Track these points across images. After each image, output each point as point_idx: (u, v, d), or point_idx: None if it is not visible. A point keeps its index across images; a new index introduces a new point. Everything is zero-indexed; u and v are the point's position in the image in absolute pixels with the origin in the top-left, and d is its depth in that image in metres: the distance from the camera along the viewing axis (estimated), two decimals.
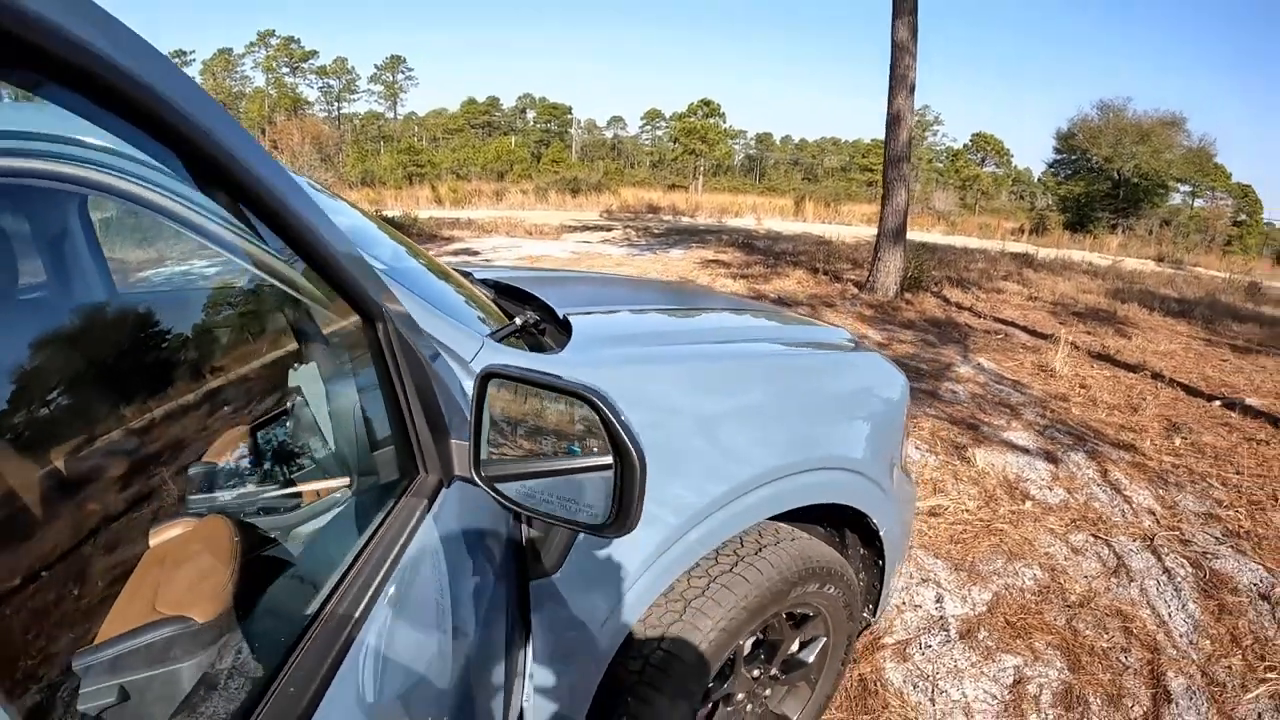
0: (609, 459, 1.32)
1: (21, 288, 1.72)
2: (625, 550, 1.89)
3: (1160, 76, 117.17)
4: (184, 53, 73.35)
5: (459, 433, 1.58)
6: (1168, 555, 4.23)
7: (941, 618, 3.50)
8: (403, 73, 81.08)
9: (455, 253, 17.55)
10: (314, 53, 76.97)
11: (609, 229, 24.10)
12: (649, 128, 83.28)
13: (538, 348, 2.17)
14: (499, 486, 1.47)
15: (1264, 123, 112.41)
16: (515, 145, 74.34)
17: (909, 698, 2.97)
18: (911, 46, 11.49)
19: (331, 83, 78.96)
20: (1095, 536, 4.42)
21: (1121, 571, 4.05)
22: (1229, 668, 3.31)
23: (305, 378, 1.93)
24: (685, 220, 30.54)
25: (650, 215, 32.63)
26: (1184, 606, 3.75)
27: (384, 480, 1.59)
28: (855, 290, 12.41)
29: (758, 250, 17.88)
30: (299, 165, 41.21)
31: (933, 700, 2.97)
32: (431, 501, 1.53)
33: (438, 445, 1.56)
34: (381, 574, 1.35)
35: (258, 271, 1.45)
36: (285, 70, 76.43)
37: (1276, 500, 5.11)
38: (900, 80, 11.61)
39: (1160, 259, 33.02)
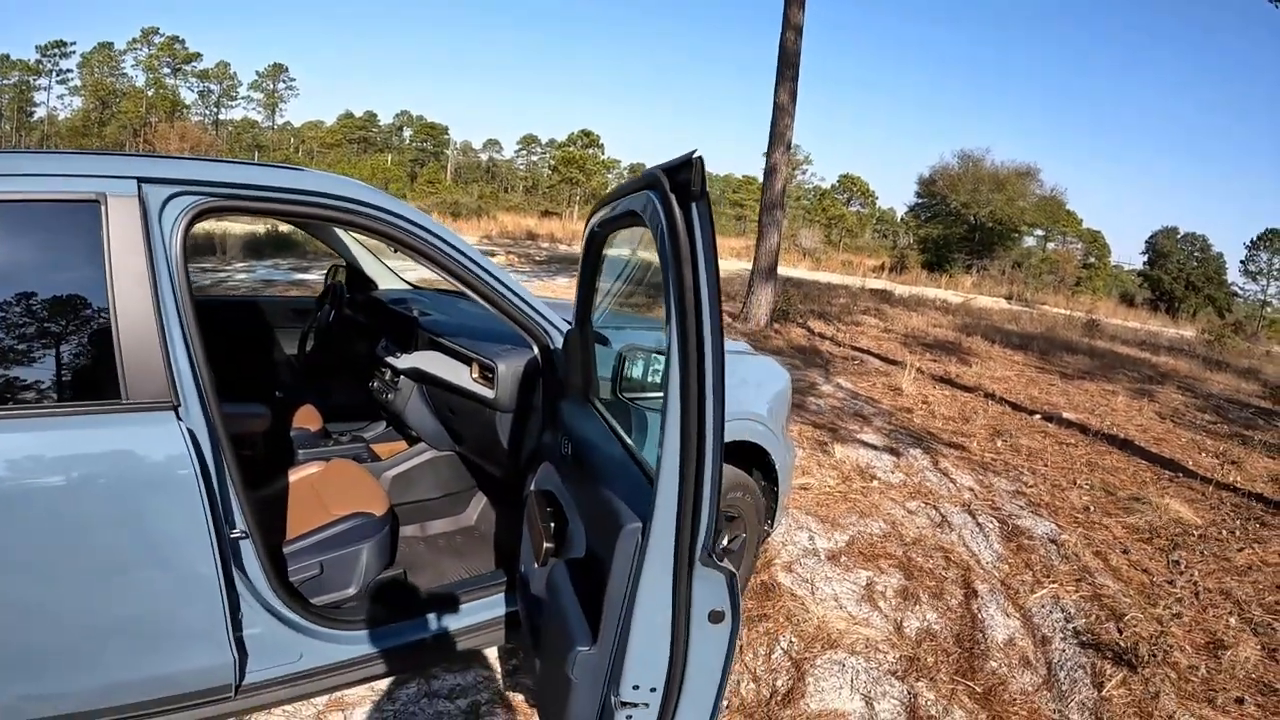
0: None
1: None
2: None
3: (1022, 126, 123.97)
4: (64, 44, 69.91)
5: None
6: (981, 516, 5.72)
7: (814, 549, 4.85)
8: (284, 81, 77.42)
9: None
10: (198, 55, 73.41)
11: (492, 254, 24.68)
12: (524, 152, 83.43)
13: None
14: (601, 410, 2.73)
15: (1114, 173, 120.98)
16: (391, 163, 73.29)
17: (796, 592, 4.28)
18: (790, 108, 12.93)
19: (212, 87, 74.97)
20: (926, 504, 5.86)
21: (945, 525, 5.48)
22: (1022, 581, 4.73)
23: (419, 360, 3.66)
24: (564, 248, 31.61)
25: (529, 242, 33.60)
26: (990, 546, 5.20)
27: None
28: (730, 319, 13.90)
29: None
30: None
31: (812, 593, 4.28)
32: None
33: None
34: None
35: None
36: (167, 71, 72.38)
37: (1075, 484, 6.74)
38: (779, 137, 13.07)
39: (1010, 298, 35.49)
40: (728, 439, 3.21)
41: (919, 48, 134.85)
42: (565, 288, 17.15)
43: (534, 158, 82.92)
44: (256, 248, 20.56)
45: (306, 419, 4.25)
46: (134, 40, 71.62)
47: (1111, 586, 4.71)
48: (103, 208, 2.11)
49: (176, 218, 2.25)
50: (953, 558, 4.94)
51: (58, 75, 71.01)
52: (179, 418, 2.16)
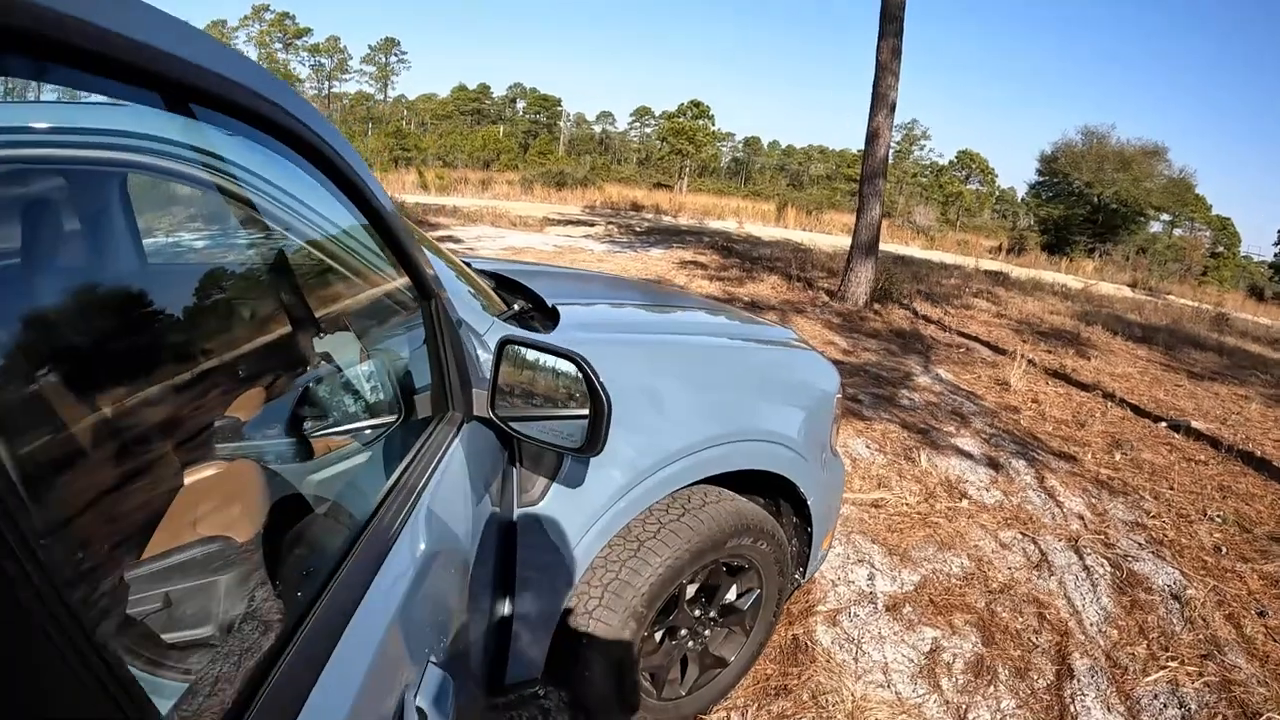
0: (584, 410, 1.90)
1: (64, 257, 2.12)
2: (591, 493, 2.38)
3: (1149, 107, 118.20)
4: None
5: (479, 384, 2.06)
6: (1090, 555, 4.61)
7: (871, 593, 3.87)
8: (396, 55, 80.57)
9: (440, 239, 17.73)
10: (308, 30, 76.56)
11: (591, 224, 24.31)
12: (638, 124, 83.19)
13: (530, 330, 2.66)
14: (513, 423, 2.01)
15: (1248, 159, 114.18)
16: (503, 135, 74.10)
17: (835, 656, 3.34)
18: (893, 66, 11.78)
19: (323, 61, 78.47)
20: (1023, 535, 4.79)
21: (1044, 566, 4.42)
22: (1132, 655, 3.67)
23: (335, 344, 2.37)
24: (667, 220, 30.78)
25: (633, 213, 32.84)
26: (1098, 600, 4.12)
27: (422, 415, 2.02)
28: (826, 298, 12.79)
29: (735, 254, 18.11)
30: None
31: (855, 659, 3.33)
32: (458, 431, 1.98)
33: (464, 392, 2.02)
34: (422, 484, 1.74)
35: (309, 251, 1.95)
36: (278, 46, 75.96)
37: (1204, 515, 5.51)
38: (881, 99, 11.92)
39: (1134, 285, 33.43)
40: (736, 466, 2.75)
41: (1044, 18, 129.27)
42: (658, 259, 16.35)
43: (647, 129, 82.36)
44: None
45: (246, 405, 3.45)
46: (245, 17, 75.60)
47: (1244, 669, 3.63)
48: None
49: None
50: (1048, 615, 3.89)
51: None
52: None
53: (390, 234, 1.76)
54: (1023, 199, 68.83)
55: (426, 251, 2.14)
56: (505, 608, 2.37)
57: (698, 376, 2.77)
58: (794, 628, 3.48)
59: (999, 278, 21.39)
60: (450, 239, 17.74)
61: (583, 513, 2.37)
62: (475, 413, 2.06)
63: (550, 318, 2.79)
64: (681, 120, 74.32)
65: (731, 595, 2.88)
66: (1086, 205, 55.63)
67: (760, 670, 3.21)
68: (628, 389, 2.39)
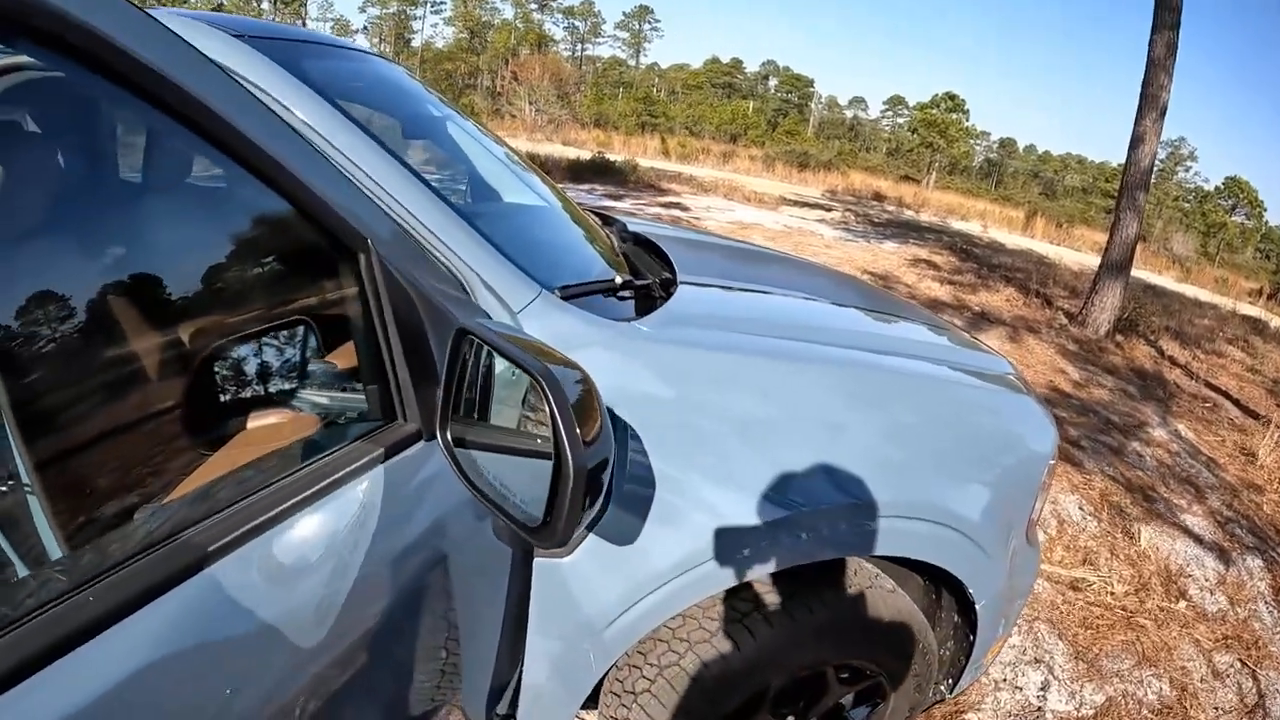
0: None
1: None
2: (648, 555, 1.75)
3: None
4: None
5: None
6: None
7: (1040, 709, 3.16)
8: (649, 23, 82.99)
9: (666, 205, 17.64)
10: None
11: (828, 209, 23.59)
12: (890, 113, 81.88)
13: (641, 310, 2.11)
14: (457, 451, 1.43)
15: None
16: (752, 111, 74.13)
17: None
18: (1167, 64, 10.51)
19: (577, 24, 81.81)
20: (1243, 663, 3.85)
21: (1259, 713, 3.52)
22: None
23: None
24: (908, 214, 29.43)
25: (874, 203, 31.70)
26: None
27: (353, 420, 1.61)
28: (1064, 320, 11.56)
29: (974, 258, 17.04)
30: (535, 97, 42.34)
31: None
32: (392, 452, 1.46)
33: (420, 393, 1.51)
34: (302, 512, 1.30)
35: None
36: (534, 6, 79.56)
37: None
38: (1150, 100, 10.65)
39: None
40: (882, 551, 1.95)
41: None
42: (889, 254, 15.53)
43: (900, 120, 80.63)
44: (577, 171, 21.25)
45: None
46: None
47: None
48: None
49: None
50: None
51: (432, 6, 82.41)
52: None
53: (274, 165, 1.26)
54: None
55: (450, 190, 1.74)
56: (508, 675, 1.87)
57: (844, 413, 2.00)
58: None
59: (1258, 325, 19.01)
60: (678, 205, 17.69)
61: (631, 580, 1.75)
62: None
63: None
64: (934, 112, 72.42)
65: (844, 700, 2.23)
66: None
67: None
68: (727, 416, 1.85)
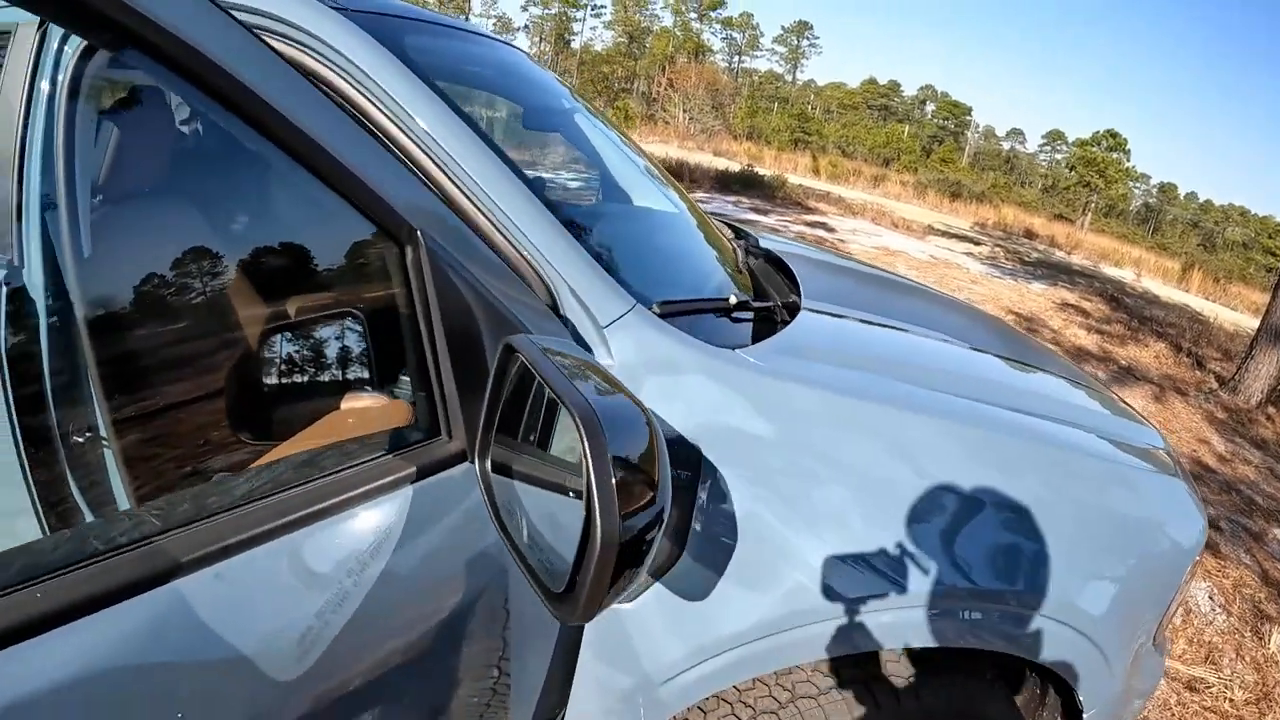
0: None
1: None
2: (718, 617, 1.54)
3: None
4: None
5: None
6: None
7: None
8: (808, 39, 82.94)
9: (811, 224, 17.58)
10: (722, 3, 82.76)
11: (976, 242, 23.08)
12: (1048, 148, 79.64)
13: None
14: (496, 480, 1.25)
15: None
16: (907, 135, 73.06)
17: None
18: None
19: (735, 35, 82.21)
20: None
21: None
22: None
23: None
24: (1059, 255, 28.45)
25: (1024, 240, 30.67)
26: None
27: (395, 428, 1.46)
28: (1215, 384, 10.98)
29: (1124, 308, 16.35)
30: (690, 105, 42.73)
31: None
32: (428, 471, 1.32)
33: (467, 409, 1.33)
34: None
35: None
36: (693, 15, 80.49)
37: None
38: None
39: None
40: (981, 645, 1.68)
41: None
42: (1037, 295, 15.11)
43: (1058, 155, 78.22)
44: (725, 182, 21.73)
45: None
46: None
47: None
48: None
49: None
50: None
51: (592, 9, 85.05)
52: None
53: (322, 157, 1.16)
54: None
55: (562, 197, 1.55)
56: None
57: (966, 479, 1.67)
58: None
59: None
60: (823, 225, 17.66)
61: (694, 640, 1.53)
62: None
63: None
64: (1094, 150, 69.97)
65: None
66: None
67: None
68: (840, 469, 1.61)
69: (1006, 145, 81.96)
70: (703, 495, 1.52)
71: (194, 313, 1.64)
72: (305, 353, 1.67)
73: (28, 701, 0.88)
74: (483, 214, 1.51)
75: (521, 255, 1.53)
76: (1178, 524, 2.01)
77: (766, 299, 2.23)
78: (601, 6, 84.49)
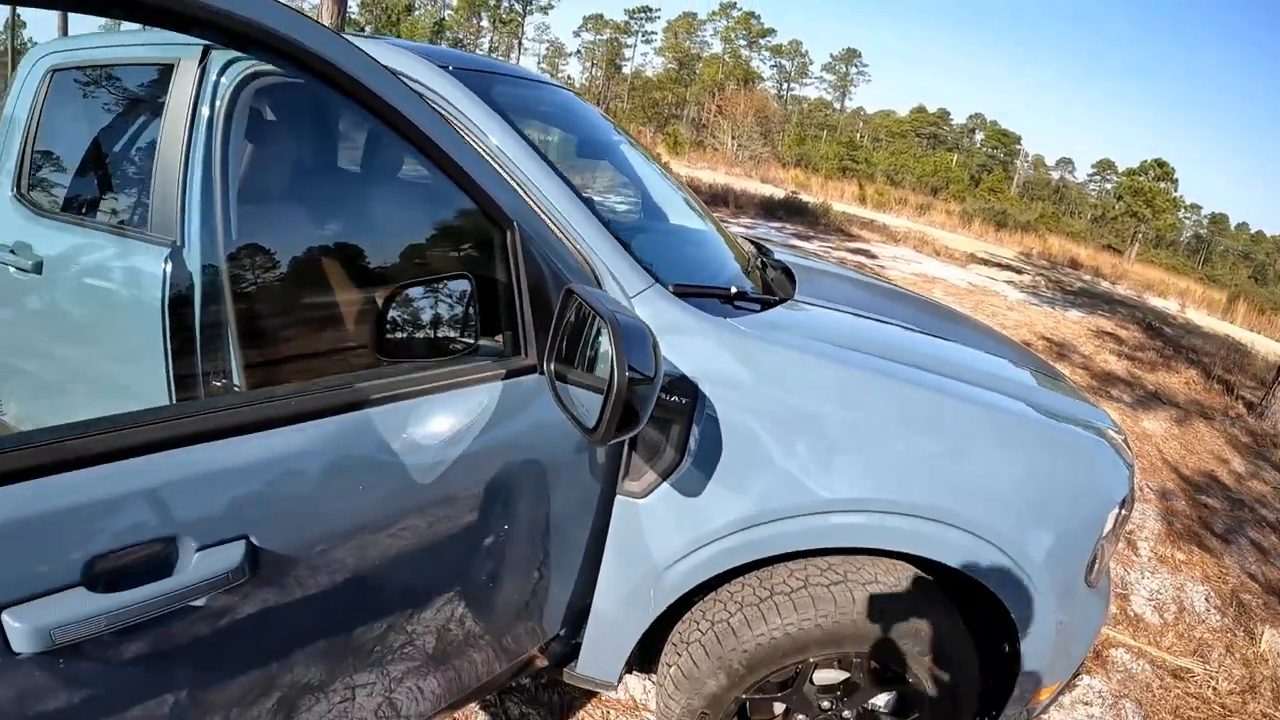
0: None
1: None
2: (707, 511, 2.11)
3: None
4: (649, 9, 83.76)
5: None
6: None
7: None
8: (856, 66, 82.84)
9: (853, 250, 17.67)
10: (771, 30, 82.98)
11: (1019, 271, 23.08)
12: (1098, 178, 78.77)
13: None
14: (556, 383, 1.86)
15: None
16: (955, 164, 72.60)
17: None
18: None
19: (784, 63, 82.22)
20: None
21: None
22: None
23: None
24: (1104, 285, 28.15)
25: (1069, 270, 30.44)
26: None
27: (493, 353, 1.99)
28: (1242, 410, 11.00)
29: (1162, 336, 16.30)
30: (739, 132, 43.13)
31: None
32: (513, 374, 1.91)
33: (539, 339, 1.94)
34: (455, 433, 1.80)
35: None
36: (742, 43, 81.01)
37: None
38: None
39: None
40: (902, 547, 2.14)
41: None
42: (1072, 322, 15.21)
43: (1107, 185, 77.23)
44: (770, 208, 22.21)
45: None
46: (714, 12, 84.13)
47: None
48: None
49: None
50: None
51: (643, 36, 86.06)
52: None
53: (448, 160, 1.76)
54: None
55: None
56: (584, 596, 2.28)
57: (919, 426, 2.17)
58: None
59: None
60: (865, 252, 17.73)
61: (690, 532, 2.11)
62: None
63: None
64: (1142, 179, 68.66)
65: (878, 702, 2.39)
66: None
67: None
68: (795, 409, 2.12)
69: (1056, 174, 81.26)
70: (699, 418, 2.09)
71: (323, 285, 2.32)
72: (429, 305, 2.18)
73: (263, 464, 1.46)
74: (545, 213, 2.13)
75: (575, 245, 2.14)
76: (1102, 474, 2.35)
77: (766, 293, 2.77)
78: (652, 33, 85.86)
